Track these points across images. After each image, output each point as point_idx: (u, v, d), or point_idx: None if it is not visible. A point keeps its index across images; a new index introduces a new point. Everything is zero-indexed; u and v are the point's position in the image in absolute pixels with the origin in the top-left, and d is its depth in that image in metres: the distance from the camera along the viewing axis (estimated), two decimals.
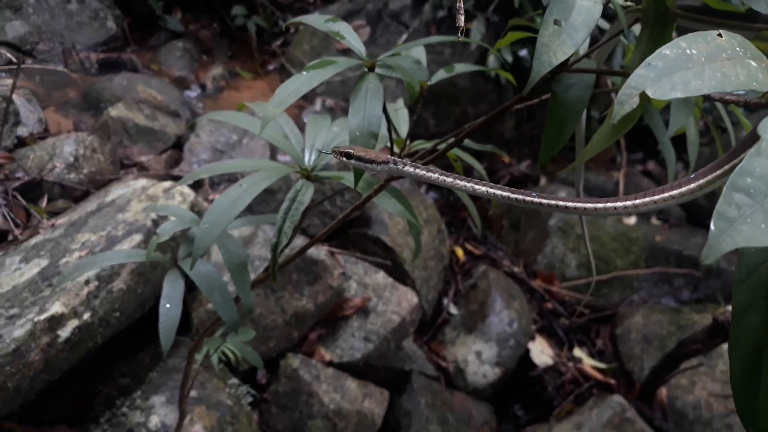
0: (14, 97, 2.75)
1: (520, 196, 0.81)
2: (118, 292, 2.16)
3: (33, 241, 2.39)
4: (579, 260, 3.68)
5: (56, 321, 1.99)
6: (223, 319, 1.30)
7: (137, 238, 2.25)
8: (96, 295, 2.10)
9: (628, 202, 0.77)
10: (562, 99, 0.93)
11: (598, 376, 3.05)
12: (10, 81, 2.74)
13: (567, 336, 3.35)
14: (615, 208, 0.77)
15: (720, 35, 0.69)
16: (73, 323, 2.02)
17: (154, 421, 2.16)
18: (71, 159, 2.76)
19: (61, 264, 2.19)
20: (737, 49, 0.69)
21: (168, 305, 1.24)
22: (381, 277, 3.03)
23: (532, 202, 0.81)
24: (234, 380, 2.54)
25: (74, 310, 2.03)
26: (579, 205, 0.78)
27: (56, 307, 2.00)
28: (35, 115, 2.95)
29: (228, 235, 1.29)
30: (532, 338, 3.26)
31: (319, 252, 2.83)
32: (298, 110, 3.94)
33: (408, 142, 1.31)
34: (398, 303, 3.02)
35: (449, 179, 0.85)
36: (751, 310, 0.68)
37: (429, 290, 3.33)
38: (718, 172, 0.75)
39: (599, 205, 0.78)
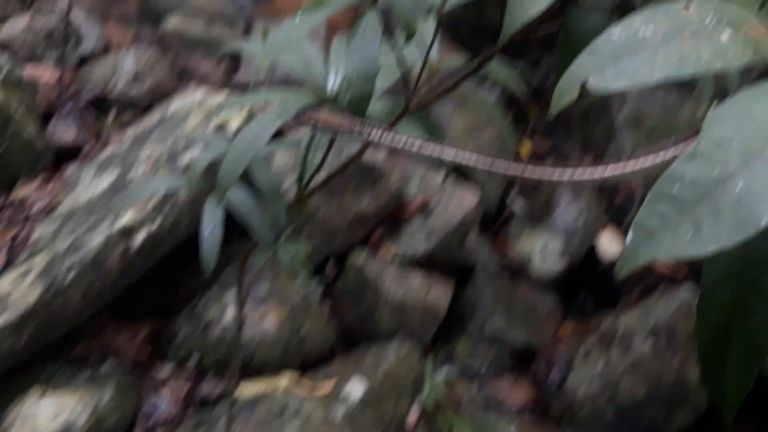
0: (74, 14, 2.82)
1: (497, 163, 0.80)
2: (182, 203, 2.25)
3: (104, 155, 2.51)
4: None
5: (128, 231, 2.11)
6: (261, 242, 1.35)
7: (195, 151, 2.33)
8: (162, 207, 2.20)
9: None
10: (574, 32, 0.85)
11: (667, 269, 3.01)
12: None
13: None
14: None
15: (687, 6, 0.61)
16: (143, 233, 2.14)
17: (229, 315, 2.31)
18: (133, 73, 2.84)
19: (129, 177, 2.31)
20: (707, 21, 0.60)
21: (209, 228, 1.30)
22: (441, 177, 3.04)
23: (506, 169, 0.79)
24: (304, 275, 2.65)
25: (143, 221, 2.15)
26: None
27: (128, 218, 2.12)
28: (95, 32, 3.02)
29: (258, 163, 1.31)
30: (601, 231, 3.22)
31: (378, 156, 2.85)
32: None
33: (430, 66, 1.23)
34: (460, 201, 3.03)
35: (414, 147, 0.84)
36: (721, 287, 0.65)
37: (493, 187, 3.31)
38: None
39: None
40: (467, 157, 0.80)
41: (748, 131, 0.49)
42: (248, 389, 2.22)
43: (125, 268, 2.17)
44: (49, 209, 2.35)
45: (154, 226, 2.18)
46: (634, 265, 0.50)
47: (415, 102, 1.16)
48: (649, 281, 2.99)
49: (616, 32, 0.60)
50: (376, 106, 1.16)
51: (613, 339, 2.79)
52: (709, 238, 0.46)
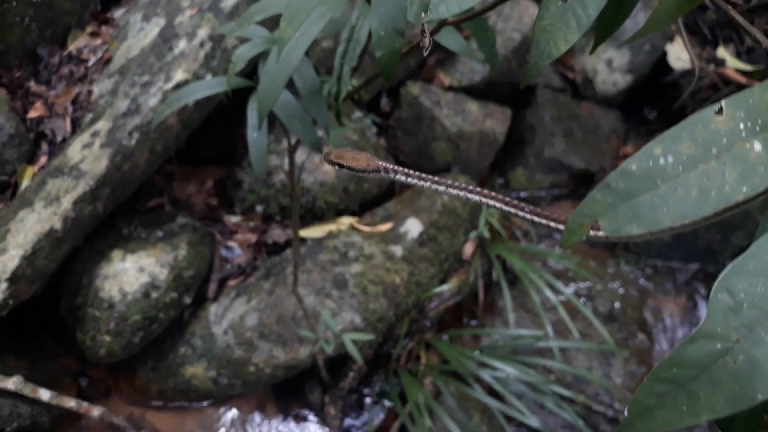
0: None
1: (513, 209, 0.74)
2: (231, 48, 2.20)
3: None
4: None
5: (182, 87, 2.10)
6: (306, 143, 1.31)
7: None
8: (212, 56, 2.16)
9: None
10: None
11: (742, 79, 2.81)
12: None
13: (712, 33, 3.03)
14: None
15: (721, 110, 0.50)
16: None
17: (287, 163, 2.36)
18: None
19: (176, 23, 2.23)
20: (740, 126, 0.50)
21: (255, 134, 1.27)
22: None
23: (524, 217, 0.73)
24: (358, 113, 2.63)
25: (196, 74, 2.12)
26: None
27: (180, 75, 2.10)
28: None
29: (301, 64, 1.23)
30: (671, 39, 2.98)
31: None
32: None
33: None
34: (519, 19, 2.83)
35: (441, 186, 0.78)
36: None
37: None
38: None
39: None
40: (492, 203, 0.79)
41: (761, 290, 0.47)
42: (312, 233, 2.34)
43: (185, 122, 2.21)
44: (104, 62, 2.34)
45: (207, 77, 2.16)
46: None
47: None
48: (721, 93, 2.82)
49: (634, 163, 0.54)
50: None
51: None
52: (704, 408, 0.46)
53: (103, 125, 2.09)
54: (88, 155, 2.02)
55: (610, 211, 0.54)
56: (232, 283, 2.22)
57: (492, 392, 2.17)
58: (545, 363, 2.22)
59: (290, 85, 1.28)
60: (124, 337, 2.01)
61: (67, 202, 1.92)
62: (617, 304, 2.55)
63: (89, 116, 2.16)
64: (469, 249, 2.52)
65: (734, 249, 2.64)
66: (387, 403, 2.27)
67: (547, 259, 2.57)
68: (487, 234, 2.50)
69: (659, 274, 2.68)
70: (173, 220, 2.24)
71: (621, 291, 2.61)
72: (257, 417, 2.24)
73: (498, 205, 0.75)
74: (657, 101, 3.07)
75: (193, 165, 2.50)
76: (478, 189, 0.77)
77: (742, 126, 0.52)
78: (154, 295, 2.04)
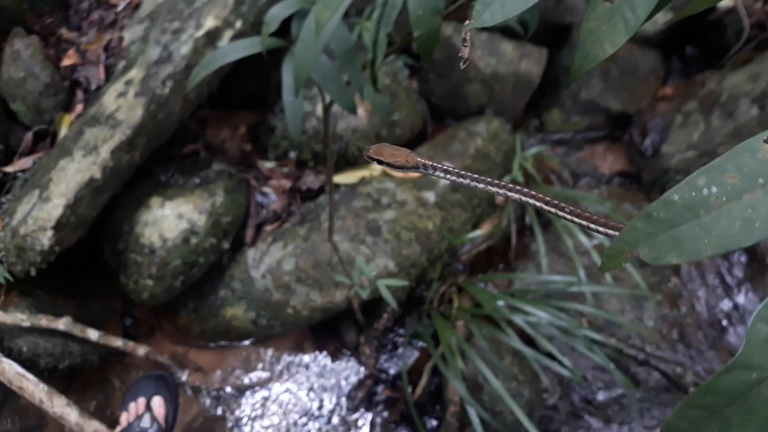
0: None
1: (554, 209, 0.72)
2: (261, 3, 2.17)
3: None
4: None
5: (213, 34, 2.09)
6: (340, 105, 1.30)
7: None
8: (242, 1, 2.14)
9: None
10: None
11: None
12: None
13: None
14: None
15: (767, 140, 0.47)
16: (229, 33, 2.11)
17: (319, 109, 2.36)
18: None
19: None
20: None
21: (291, 97, 1.26)
22: None
23: (564, 217, 0.72)
24: (390, 57, 2.60)
25: (226, 21, 2.11)
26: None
27: (210, 22, 2.09)
28: None
29: (334, 30, 1.21)
30: None
31: None
32: None
33: None
34: None
35: (480, 184, 0.76)
36: None
37: None
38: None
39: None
40: (531, 202, 0.78)
41: None
42: (345, 179, 2.36)
43: (217, 70, 2.20)
44: (133, 6, 2.33)
45: (237, 23, 2.15)
46: None
47: None
48: (764, 37, 2.71)
49: (677, 194, 0.53)
50: None
51: (715, 103, 2.65)
52: None
53: (136, 73, 2.10)
54: (123, 104, 2.04)
55: (650, 240, 0.54)
56: (268, 228, 2.26)
57: (523, 336, 2.21)
58: (577, 307, 2.24)
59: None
60: (165, 281, 2.08)
61: (105, 152, 1.96)
62: None
63: (122, 63, 2.17)
64: None
65: None
66: (420, 343, 2.33)
67: (582, 202, 2.55)
68: (521, 178, 2.49)
69: None
70: (209, 166, 2.27)
71: None
72: (295, 355, 2.32)
73: (538, 204, 0.74)
74: (699, 41, 2.96)
75: (226, 110, 2.51)
76: (518, 187, 0.76)
77: None
78: (194, 240, 2.09)
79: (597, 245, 2.43)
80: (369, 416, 2.25)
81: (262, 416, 2.23)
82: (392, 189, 2.32)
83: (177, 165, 2.28)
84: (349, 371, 2.30)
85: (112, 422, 2.07)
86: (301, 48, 1.09)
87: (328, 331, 2.32)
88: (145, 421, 1.97)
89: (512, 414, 2.07)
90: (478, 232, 2.38)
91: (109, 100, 2.07)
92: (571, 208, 0.71)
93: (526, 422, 2.00)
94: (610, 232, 0.69)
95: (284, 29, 1.28)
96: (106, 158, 1.96)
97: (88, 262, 2.28)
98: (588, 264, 2.39)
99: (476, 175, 0.75)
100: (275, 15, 1.22)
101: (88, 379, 2.21)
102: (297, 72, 1.10)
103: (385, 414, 2.26)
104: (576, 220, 0.70)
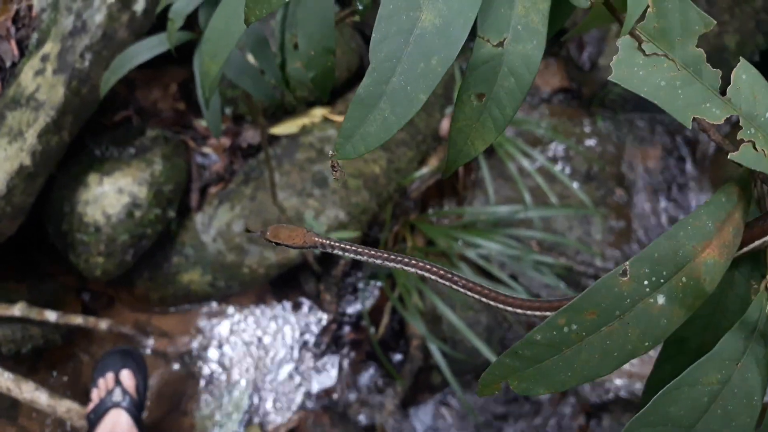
0: None
1: (448, 282, 0.72)
2: None
3: None
4: None
5: None
6: (259, 98, 1.26)
7: None
8: None
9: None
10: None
11: None
12: None
13: None
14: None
15: (625, 272, 0.54)
16: None
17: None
18: None
19: None
20: (645, 283, 0.55)
21: (210, 107, 1.21)
22: None
23: (458, 290, 0.73)
24: None
25: None
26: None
27: None
28: None
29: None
30: None
31: None
32: None
33: None
34: None
35: (378, 260, 0.75)
36: None
37: None
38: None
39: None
40: (430, 277, 0.78)
41: None
42: (284, 129, 2.32)
43: (136, 32, 2.10)
44: None
45: None
46: None
47: None
48: None
49: (539, 334, 0.57)
50: None
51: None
52: None
53: (51, 47, 1.99)
54: (42, 83, 1.94)
55: (518, 373, 0.58)
56: (213, 190, 2.24)
57: (477, 266, 2.28)
58: (526, 233, 2.31)
59: None
60: (116, 257, 2.07)
61: (31, 137, 1.88)
62: (594, 164, 2.59)
63: (35, 36, 2.05)
64: (445, 126, 2.51)
65: None
66: (379, 284, 2.39)
67: (522, 126, 2.57)
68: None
69: (635, 128, 2.70)
70: (143, 133, 2.20)
71: (598, 149, 2.65)
72: (258, 309, 2.36)
73: (433, 277, 0.74)
74: None
75: (154, 67, 2.40)
76: (413, 261, 0.75)
77: (646, 282, 0.56)
78: (138, 213, 2.06)
79: (540, 168, 2.47)
80: (336, 358, 2.33)
81: (231, 368, 2.29)
82: (334, 136, 2.30)
83: (110, 136, 2.21)
84: (313, 318, 2.36)
85: (86, 395, 2.11)
86: (209, 45, 1.04)
87: (287, 284, 2.36)
88: (117, 395, 2.01)
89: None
90: (425, 170, 2.40)
91: (27, 79, 1.96)
92: (464, 281, 0.72)
93: (483, 349, 2.10)
94: (501, 306, 0.71)
95: (192, 20, 1.22)
96: (33, 143, 1.89)
97: (36, 243, 2.24)
98: (533, 186, 2.44)
99: (373, 252, 0.75)
100: (179, 10, 1.16)
101: (55, 357, 2.23)
102: (206, 71, 1.05)
103: (352, 355, 2.34)
104: (469, 294, 0.71)
